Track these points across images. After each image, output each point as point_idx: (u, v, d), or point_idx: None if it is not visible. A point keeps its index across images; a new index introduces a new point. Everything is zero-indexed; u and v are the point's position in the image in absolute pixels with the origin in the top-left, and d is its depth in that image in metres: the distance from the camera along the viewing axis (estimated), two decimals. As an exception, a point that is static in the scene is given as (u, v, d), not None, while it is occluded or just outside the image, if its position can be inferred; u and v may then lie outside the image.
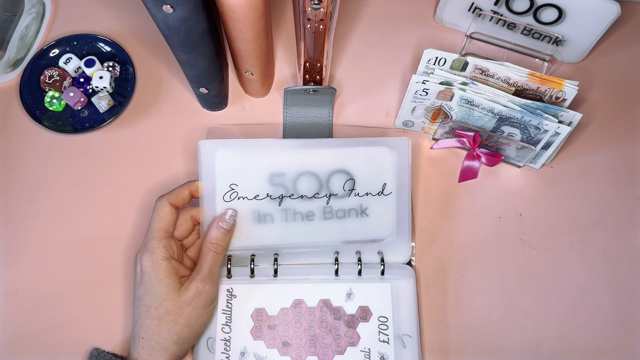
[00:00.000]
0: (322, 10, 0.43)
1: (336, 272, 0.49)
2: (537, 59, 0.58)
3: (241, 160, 0.47)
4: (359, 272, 0.48)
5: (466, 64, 0.51)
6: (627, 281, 0.51)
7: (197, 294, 0.43)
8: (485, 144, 0.53)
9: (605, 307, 0.50)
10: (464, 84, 0.50)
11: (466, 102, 0.50)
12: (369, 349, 0.47)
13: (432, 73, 0.51)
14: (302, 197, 0.48)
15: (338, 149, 0.48)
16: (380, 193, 0.48)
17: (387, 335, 0.47)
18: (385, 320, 0.47)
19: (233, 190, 0.47)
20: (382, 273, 0.48)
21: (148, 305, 0.43)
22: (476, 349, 0.49)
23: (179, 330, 0.42)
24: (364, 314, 0.48)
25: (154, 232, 0.44)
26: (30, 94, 0.56)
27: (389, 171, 0.48)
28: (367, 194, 0.48)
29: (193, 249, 0.48)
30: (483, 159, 0.54)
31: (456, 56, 0.50)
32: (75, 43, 0.59)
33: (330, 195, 0.48)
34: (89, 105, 0.56)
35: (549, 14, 0.54)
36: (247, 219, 0.47)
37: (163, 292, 0.42)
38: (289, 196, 0.48)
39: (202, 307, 0.44)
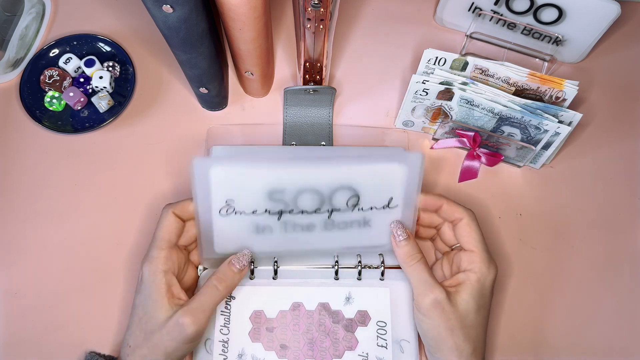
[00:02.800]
0: (322, 10, 0.43)
1: (336, 273, 0.49)
2: (537, 59, 0.58)
3: (237, 176, 0.44)
4: (359, 274, 0.48)
5: (466, 63, 0.51)
6: (627, 281, 0.51)
7: (175, 326, 0.41)
8: (485, 144, 0.53)
9: (605, 307, 0.50)
10: (464, 83, 0.50)
11: (466, 102, 0.50)
12: (367, 354, 0.47)
13: (432, 73, 0.51)
14: (302, 212, 0.46)
15: (344, 166, 0.45)
16: (385, 206, 0.46)
17: (386, 340, 0.47)
18: (384, 325, 0.47)
19: (229, 206, 0.45)
20: (382, 274, 0.48)
21: (140, 316, 0.43)
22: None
23: (157, 353, 0.41)
24: (363, 318, 0.48)
25: (156, 241, 0.44)
26: (30, 94, 0.56)
27: (397, 187, 0.46)
28: (371, 207, 0.46)
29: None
30: (483, 159, 0.54)
31: (456, 56, 0.50)
32: (75, 43, 0.59)
33: (332, 210, 0.46)
34: (89, 105, 0.56)
35: (549, 14, 0.54)
36: (245, 229, 0.46)
37: (151, 308, 0.42)
38: (289, 211, 0.46)
39: (182, 342, 0.41)
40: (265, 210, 0.45)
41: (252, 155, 0.44)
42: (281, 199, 0.45)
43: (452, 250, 0.48)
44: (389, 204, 0.46)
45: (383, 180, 0.45)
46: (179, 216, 0.45)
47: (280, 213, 0.45)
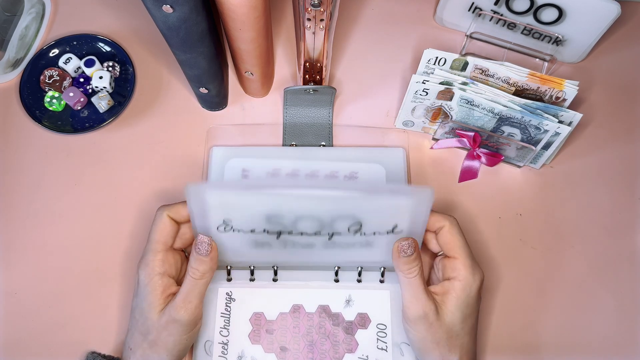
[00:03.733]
0: (322, 10, 0.43)
1: (336, 275, 0.49)
2: (537, 59, 0.58)
3: (234, 200, 0.42)
4: (359, 275, 0.48)
5: (466, 64, 0.51)
6: (627, 281, 0.51)
7: (170, 321, 0.41)
8: (486, 144, 0.53)
9: (605, 307, 0.50)
10: (464, 83, 0.50)
11: (466, 102, 0.50)
12: (367, 356, 0.46)
13: (432, 73, 0.51)
14: (302, 233, 0.44)
15: (348, 201, 0.42)
16: (389, 232, 0.44)
17: (386, 343, 0.47)
18: (384, 327, 0.47)
19: (227, 224, 0.44)
20: (383, 276, 0.48)
21: (137, 319, 0.43)
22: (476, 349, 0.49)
23: (159, 351, 0.42)
24: (363, 321, 0.48)
25: (152, 244, 0.43)
26: (30, 94, 0.56)
27: (403, 216, 0.43)
28: (374, 232, 0.44)
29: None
30: (483, 159, 0.54)
31: (456, 56, 0.50)
32: (75, 43, 0.59)
33: (333, 234, 0.45)
34: (89, 105, 0.56)
35: (549, 14, 0.54)
36: (243, 244, 0.45)
37: (146, 309, 0.42)
38: (288, 232, 0.44)
39: (180, 334, 0.42)
40: (264, 230, 0.44)
41: (248, 183, 0.42)
42: (279, 222, 0.43)
43: (439, 256, 0.47)
44: (393, 229, 0.44)
45: (388, 210, 0.43)
46: (174, 219, 0.44)
47: (279, 233, 0.44)
